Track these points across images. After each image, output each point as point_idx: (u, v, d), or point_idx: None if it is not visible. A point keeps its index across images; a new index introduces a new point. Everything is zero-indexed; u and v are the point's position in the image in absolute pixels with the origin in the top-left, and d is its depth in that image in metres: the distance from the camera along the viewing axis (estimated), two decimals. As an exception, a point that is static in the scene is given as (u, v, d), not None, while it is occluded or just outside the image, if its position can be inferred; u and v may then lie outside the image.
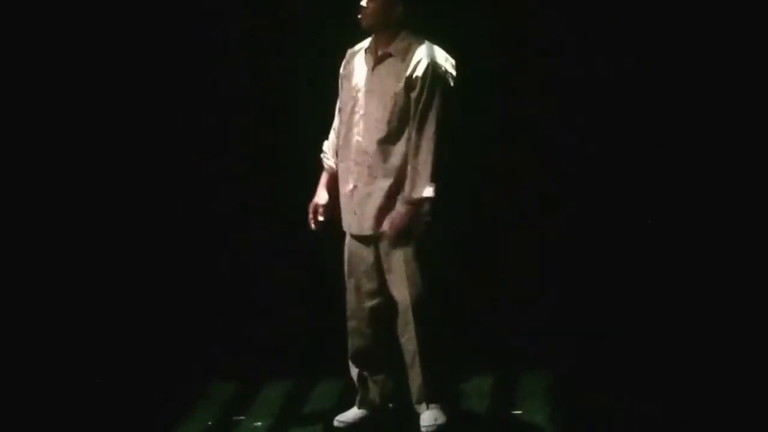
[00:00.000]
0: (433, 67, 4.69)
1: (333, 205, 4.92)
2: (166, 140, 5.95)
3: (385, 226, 4.75)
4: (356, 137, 4.80)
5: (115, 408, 5.34)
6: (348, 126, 4.83)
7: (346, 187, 4.85)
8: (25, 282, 5.89)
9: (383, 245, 4.80)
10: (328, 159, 4.96)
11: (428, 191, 4.67)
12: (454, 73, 4.74)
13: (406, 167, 4.72)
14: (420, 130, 4.68)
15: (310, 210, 4.94)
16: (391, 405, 5.05)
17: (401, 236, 4.72)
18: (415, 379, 4.86)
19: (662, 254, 5.70)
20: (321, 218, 4.92)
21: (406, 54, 4.72)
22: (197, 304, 5.95)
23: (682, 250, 5.68)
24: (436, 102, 4.68)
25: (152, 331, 5.85)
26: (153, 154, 5.96)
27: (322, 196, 4.95)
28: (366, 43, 4.86)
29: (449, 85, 4.71)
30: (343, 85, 4.91)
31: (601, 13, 5.68)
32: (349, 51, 4.92)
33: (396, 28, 4.74)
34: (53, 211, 5.91)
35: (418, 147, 4.68)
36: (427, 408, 4.86)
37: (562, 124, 5.76)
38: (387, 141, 4.73)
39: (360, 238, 4.85)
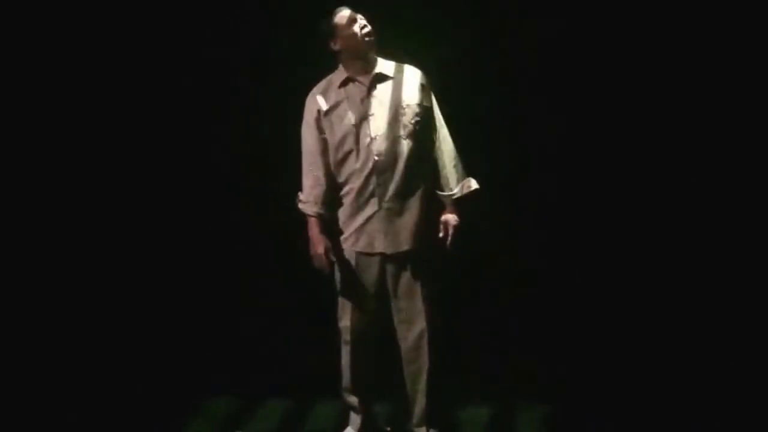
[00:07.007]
0: (424, 75, 4.81)
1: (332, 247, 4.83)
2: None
3: (445, 232, 4.78)
4: (373, 159, 4.70)
5: (110, 423, 5.28)
6: (347, 158, 4.73)
7: (363, 214, 4.76)
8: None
9: (390, 267, 4.77)
10: (314, 206, 4.81)
11: (474, 183, 4.82)
12: None
13: (436, 173, 4.79)
14: (442, 134, 4.81)
15: (326, 256, 4.77)
16: (389, 429, 5.06)
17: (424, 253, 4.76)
18: (419, 401, 4.85)
19: (656, 286, 5.69)
20: (333, 259, 4.81)
21: (394, 70, 4.77)
22: (196, 317, 5.90)
23: (675, 281, 5.67)
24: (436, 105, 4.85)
25: (149, 345, 5.80)
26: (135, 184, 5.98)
27: (326, 240, 4.79)
28: (332, 80, 4.78)
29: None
30: (324, 127, 4.75)
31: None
32: (315, 94, 4.78)
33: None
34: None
35: (448, 147, 4.80)
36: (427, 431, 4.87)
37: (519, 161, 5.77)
38: (409, 154, 4.71)
39: (366, 260, 4.79)
